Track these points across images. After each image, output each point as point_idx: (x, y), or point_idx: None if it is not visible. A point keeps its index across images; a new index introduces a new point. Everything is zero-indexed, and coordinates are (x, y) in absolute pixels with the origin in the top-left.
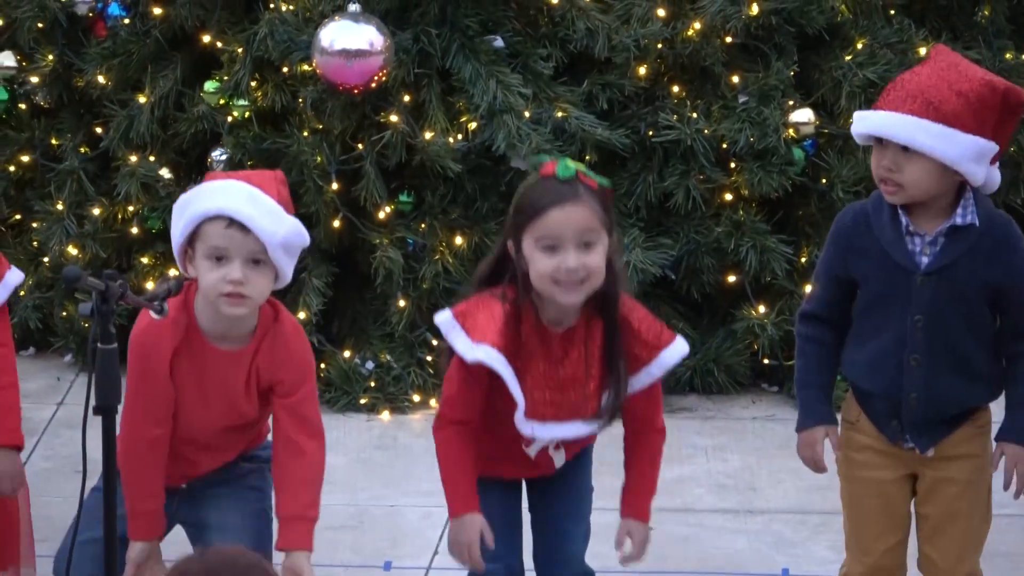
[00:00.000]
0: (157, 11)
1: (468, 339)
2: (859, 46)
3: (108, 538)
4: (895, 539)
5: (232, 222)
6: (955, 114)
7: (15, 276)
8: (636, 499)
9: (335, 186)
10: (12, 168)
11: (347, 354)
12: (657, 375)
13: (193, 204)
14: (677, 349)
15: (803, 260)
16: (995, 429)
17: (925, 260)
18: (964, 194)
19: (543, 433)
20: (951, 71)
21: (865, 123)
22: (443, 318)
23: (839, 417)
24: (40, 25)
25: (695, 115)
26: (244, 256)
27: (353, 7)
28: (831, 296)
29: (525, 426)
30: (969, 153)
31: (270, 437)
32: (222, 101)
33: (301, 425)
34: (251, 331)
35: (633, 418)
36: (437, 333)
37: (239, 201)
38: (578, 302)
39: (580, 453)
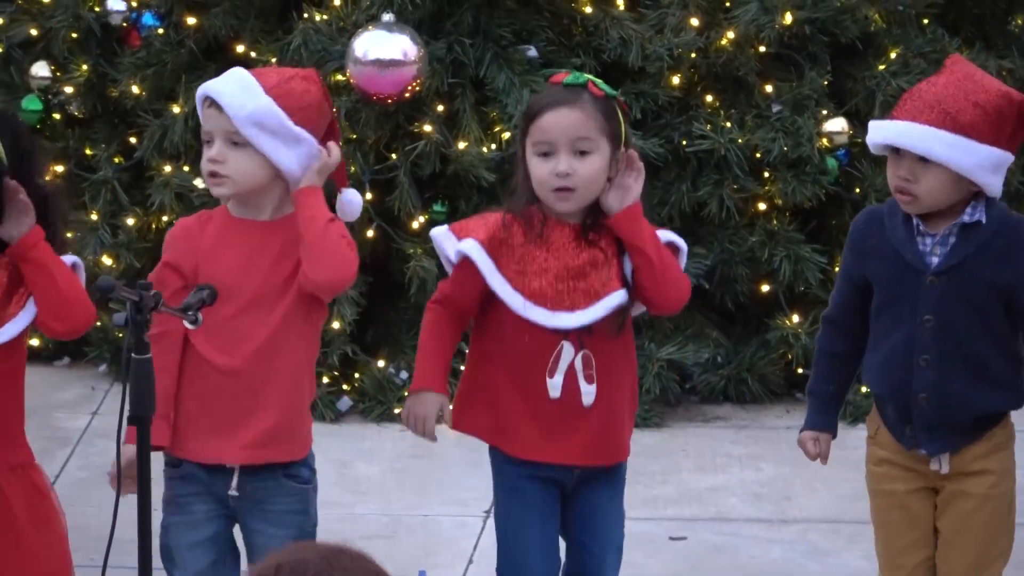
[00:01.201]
0: (191, 21)
1: (455, 240)
2: (892, 55)
3: (142, 546)
4: (924, 554)
5: (213, 102)
6: (972, 124)
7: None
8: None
9: (369, 196)
10: (46, 178)
11: (381, 364)
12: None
13: None
14: (668, 233)
15: (836, 269)
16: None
17: (935, 260)
18: (975, 198)
19: (561, 322)
20: (968, 81)
21: (882, 133)
22: (438, 230)
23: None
24: (74, 35)
25: (728, 124)
26: (223, 136)
27: (387, 17)
28: (847, 299)
29: (529, 311)
30: (985, 163)
31: (312, 453)
32: None
33: None
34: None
35: None
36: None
37: (221, 81)
38: (571, 209)
39: (614, 477)
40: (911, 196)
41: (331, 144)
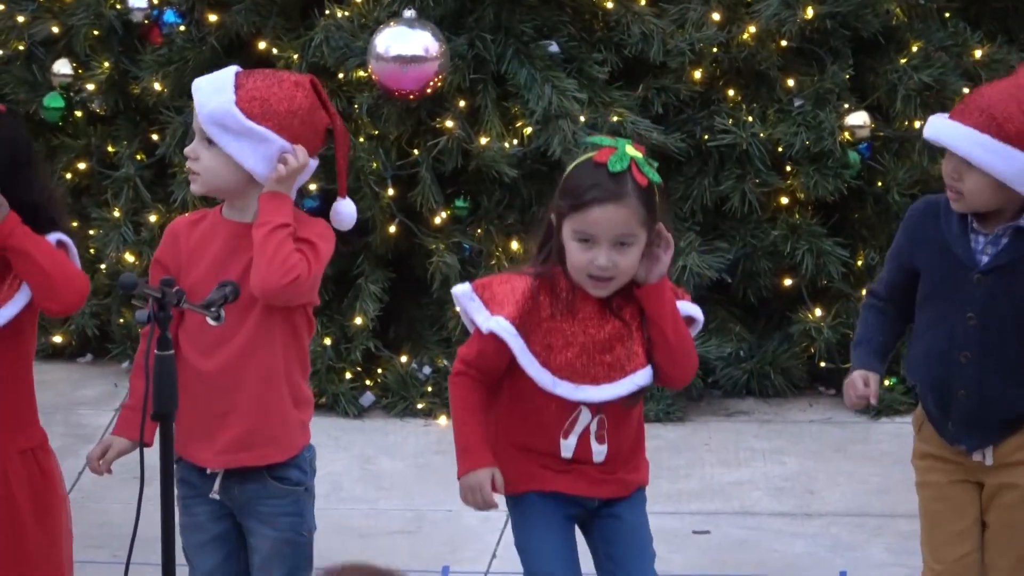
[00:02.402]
0: (212, 18)
1: (485, 310)
2: (914, 49)
3: (166, 543)
4: (965, 549)
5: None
6: (1019, 133)
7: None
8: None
9: (391, 192)
10: (69, 175)
11: (404, 359)
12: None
13: None
14: (693, 307)
15: (859, 263)
16: None
17: (985, 259)
18: None
19: (585, 395)
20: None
21: (932, 129)
22: (462, 290)
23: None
24: (96, 33)
25: (750, 119)
26: (199, 131)
27: (408, 13)
28: (895, 281)
29: (557, 387)
30: None
31: (306, 453)
32: None
33: None
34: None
35: None
36: None
37: (204, 78)
38: (606, 295)
39: (635, 502)
40: (957, 194)
41: (297, 148)
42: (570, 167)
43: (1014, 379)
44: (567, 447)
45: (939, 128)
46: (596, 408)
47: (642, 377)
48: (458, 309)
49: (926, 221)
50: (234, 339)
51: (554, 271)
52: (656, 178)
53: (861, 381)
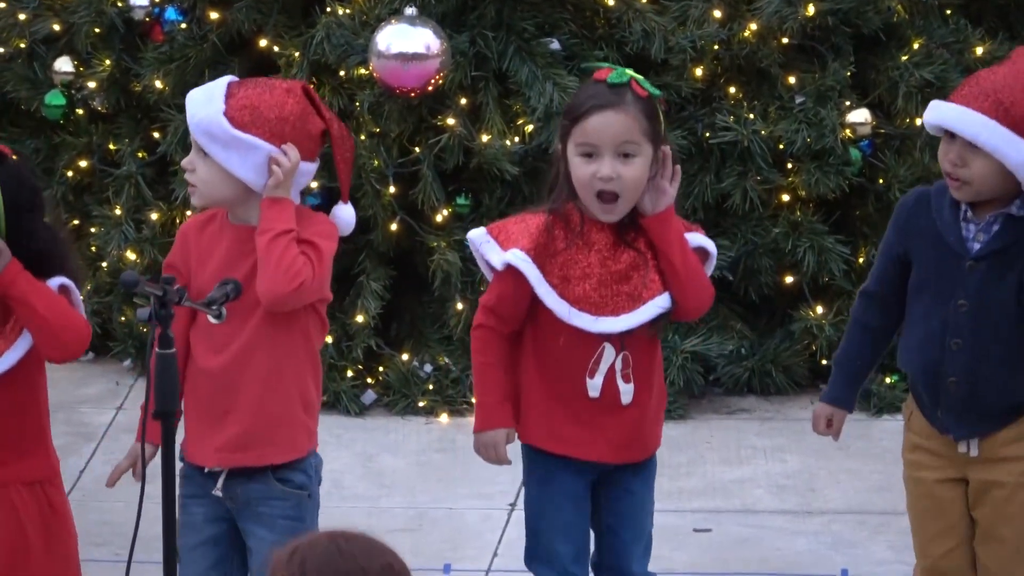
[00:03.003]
0: (214, 15)
1: (499, 248)
2: (915, 46)
3: (167, 541)
4: (950, 544)
5: None
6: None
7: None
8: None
9: (392, 189)
10: (70, 173)
11: (405, 357)
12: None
13: None
14: (700, 237)
15: (861, 260)
16: None
17: (976, 246)
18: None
19: (605, 327)
20: None
21: (935, 113)
22: (477, 233)
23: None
24: (97, 30)
25: (752, 116)
26: (195, 142)
27: (410, 11)
28: (887, 274)
29: (575, 319)
30: None
31: (311, 459)
32: None
33: None
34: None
35: None
36: None
37: (197, 89)
38: (615, 219)
39: (646, 470)
40: (960, 181)
41: (287, 147)
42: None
43: (1005, 366)
44: (594, 387)
45: (944, 112)
46: (619, 343)
47: (662, 302)
48: (475, 256)
49: (917, 211)
50: (236, 338)
51: (567, 207)
52: (656, 92)
53: (824, 422)
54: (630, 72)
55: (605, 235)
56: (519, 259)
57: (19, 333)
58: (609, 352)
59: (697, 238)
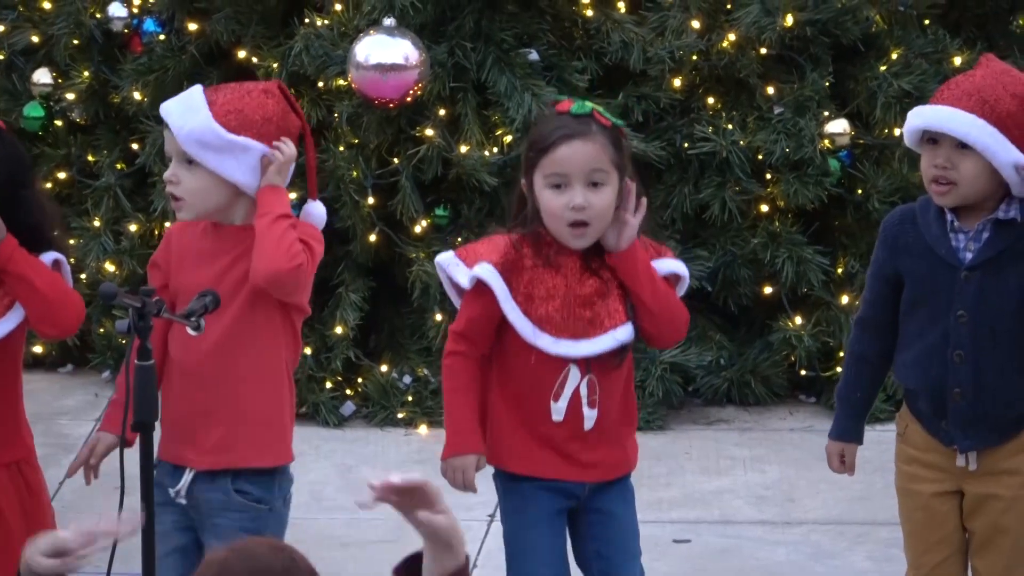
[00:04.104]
0: (192, 27)
1: (466, 268)
2: (894, 56)
3: (146, 553)
4: (943, 555)
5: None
6: (1009, 114)
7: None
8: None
9: (371, 200)
10: (49, 185)
11: (384, 368)
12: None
13: None
14: (677, 264)
15: (840, 271)
16: None
17: (969, 256)
18: (1009, 195)
19: (564, 350)
20: (1005, 75)
21: (921, 118)
22: (444, 256)
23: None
24: (76, 42)
25: (731, 127)
26: (177, 155)
27: (388, 21)
28: (880, 296)
29: (538, 338)
30: (1010, 163)
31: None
32: None
33: None
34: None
35: None
36: None
37: (173, 101)
38: (586, 245)
39: (625, 491)
40: (948, 184)
41: (281, 142)
42: (534, 125)
43: (1008, 372)
44: (557, 410)
45: (932, 115)
46: (585, 367)
47: (622, 334)
48: (443, 281)
49: (903, 228)
50: (212, 336)
51: (537, 228)
52: (619, 121)
53: (837, 459)
54: (590, 104)
55: (573, 260)
56: (486, 271)
57: (8, 308)
58: (574, 375)
59: (666, 264)
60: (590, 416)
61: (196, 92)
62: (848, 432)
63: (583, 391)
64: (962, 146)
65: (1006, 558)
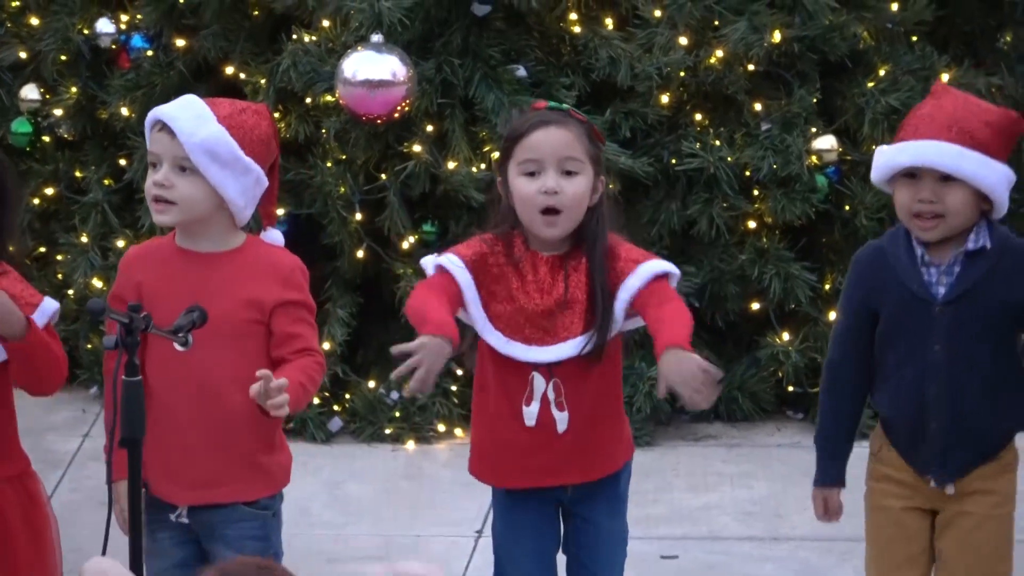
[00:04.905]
0: (180, 43)
1: (434, 257)
2: (882, 73)
3: (134, 568)
4: (913, 574)
5: (164, 126)
6: (987, 142)
7: (50, 304)
8: (672, 329)
9: (359, 216)
10: (37, 201)
11: (372, 384)
12: (637, 285)
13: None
14: (664, 264)
15: (827, 287)
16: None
17: (942, 290)
18: (978, 222)
19: (529, 355)
20: (972, 102)
21: (906, 155)
22: (427, 258)
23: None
24: (63, 58)
25: (718, 143)
26: (171, 160)
27: (376, 38)
28: (855, 335)
29: (488, 335)
30: (1003, 180)
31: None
32: None
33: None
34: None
35: (648, 306)
36: (461, 363)
37: (175, 106)
38: (558, 235)
39: (612, 494)
40: (936, 218)
41: (279, 381)
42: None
43: (985, 400)
44: (529, 415)
45: (914, 151)
46: (547, 373)
47: (571, 348)
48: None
49: (874, 264)
50: (196, 370)
51: (512, 232)
52: (591, 121)
53: (822, 507)
54: (567, 106)
55: (542, 270)
56: (452, 263)
57: None
58: (539, 381)
59: (656, 266)
60: (561, 418)
61: (197, 101)
62: (830, 478)
63: (550, 395)
64: (945, 178)
65: (976, 574)
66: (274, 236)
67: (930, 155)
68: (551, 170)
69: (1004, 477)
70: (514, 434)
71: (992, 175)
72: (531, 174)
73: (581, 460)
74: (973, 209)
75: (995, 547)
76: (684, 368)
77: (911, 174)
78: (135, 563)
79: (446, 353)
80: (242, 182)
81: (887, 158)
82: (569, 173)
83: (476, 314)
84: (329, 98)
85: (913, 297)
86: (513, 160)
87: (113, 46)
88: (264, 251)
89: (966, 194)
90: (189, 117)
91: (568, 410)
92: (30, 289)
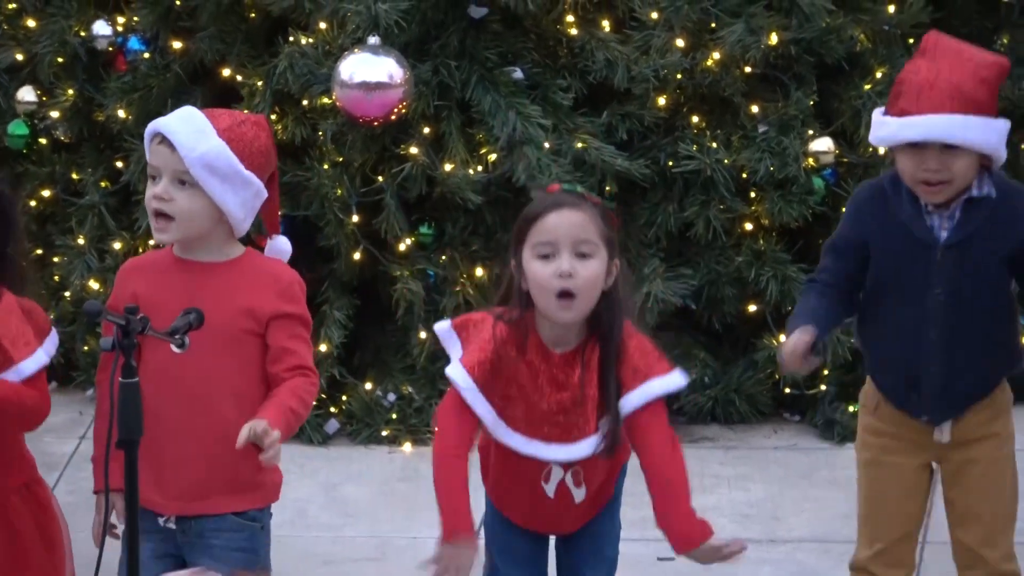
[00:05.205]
0: (177, 45)
1: (460, 347)
2: (878, 75)
3: (131, 571)
4: (907, 528)
5: (164, 139)
6: (985, 102)
7: (32, 364)
8: (679, 522)
9: (356, 219)
10: (33, 203)
11: (369, 386)
12: (637, 403)
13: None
14: (669, 381)
15: None
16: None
17: (944, 234)
18: (980, 172)
19: (546, 453)
20: (965, 56)
21: (911, 130)
22: (442, 327)
23: (859, 404)
24: (60, 60)
25: (715, 145)
26: (171, 174)
27: (373, 40)
28: (843, 266)
29: (510, 438)
30: (1002, 135)
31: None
32: None
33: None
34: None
35: (645, 452)
36: None
37: (174, 119)
38: (573, 319)
39: (606, 504)
40: (942, 184)
41: (273, 432)
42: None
43: (980, 344)
44: (549, 489)
45: (918, 127)
46: (566, 464)
47: (588, 447)
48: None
49: (874, 205)
50: (190, 380)
51: (525, 318)
52: (610, 204)
53: (795, 338)
54: (581, 188)
55: (552, 364)
56: (467, 388)
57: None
58: (556, 471)
59: (667, 382)
60: (579, 493)
61: (197, 113)
62: (803, 327)
63: (569, 480)
64: (949, 146)
65: (988, 525)
66: (281, 244)
67: (936, 130)
68: (566, 253)
69: (1000, 419)
70: (530, 499)
71: (994, 135)
72: (545, 256)
73: (589, 512)
74: (975, 166)
75: (1007, 490)
76: (709, 560)
77: (915, 143)
78: (132, 567)
79: (469, 556)
80: (242, 195)
81: (891, 131)
82: (583, 255)
83: (491, 424)
84: (326, 100)
85: (916, 241)
86: (527, 243)
87: (110, 48)
88: (262, 263)
89: (971, 158)
90: (189, 131)
91: (585, 484)
92: (25, 329)
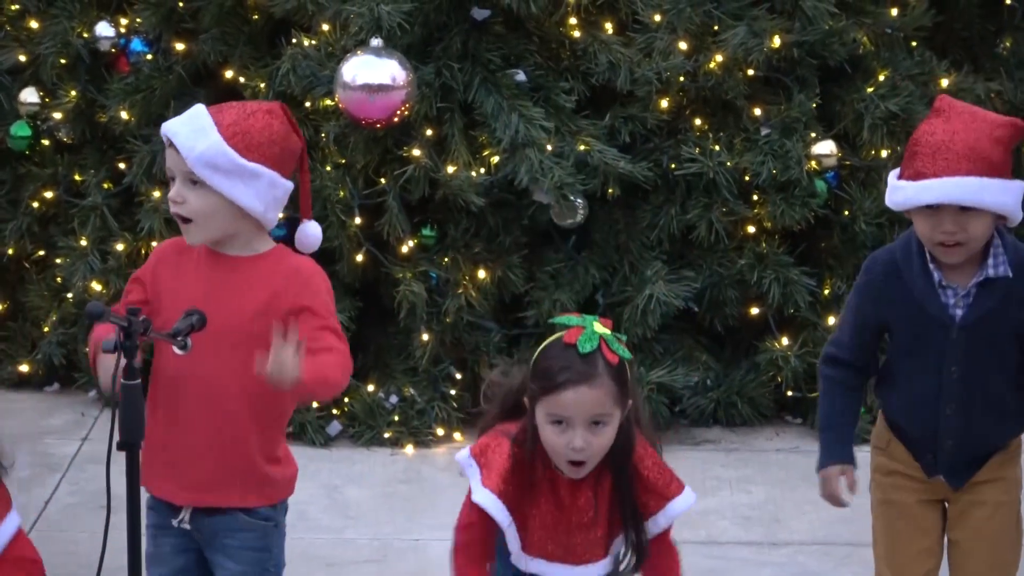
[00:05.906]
0: (180, 47)
1: (480, 478)
2: (881, 78)
3: (132, 573)
4: (928, 566)
5: (172, 141)
6: (1002, 162)
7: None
8: None
9: (358, 220)
10: (36, 204)
11: (371, 388)
12: (664, 526)
13: None
14: (685, 500)
15: (826, 292)
16: None
17: (959, 313)
18: (993, 241)
19: (553, 573)
20: (979, 117)
21: (928, 194)
22: (463, 456)
23: (870, 445)
24: (63, 61)
25: (717, 148)
26: (182, 175)
27: (375, 42)
28: (860, 343)
29: (525, 563)
30: (1018, 198)
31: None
32: None
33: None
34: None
35: (653, 569)
36: (460, 367)
37: (178, 121)
38: (582, 475)
39: None
40: (958, 246)
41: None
42: (540, 348)
43: (996, 415)
44: None
45: (935, 190)
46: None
47: (597, 570)
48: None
49: (888, 282)
50: (208, 373)
51: (535, 454)
52: (626, 354)
53: (836, 480)
54: (599, 330)
55: (564, 489)
56: (491, 505)
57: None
58: None
59: (680, 505)
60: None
61: (201, 112)
62: (844, 455)
63: None
64: (966, 208)
65: (988, 566)
66: (311, 228)
67: (953, 194)
68: (580, 428)
69: (1010, 464)
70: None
71: (1011, 197)
72: (559, 422)
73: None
74: (991, 229)
75: (1010, 534)
76: None
77: (934, 205)
78: (134, 568)
79: None
80: (253, 187)
81: (908, 195)
82: (597, 423)
83: (514, 548)
84: (328, 102)
85: (930, 319)
86: (542, 406)
87: (112, 50)
88: (286, 258)
89: (987, 219)
90: (188, 131)
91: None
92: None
